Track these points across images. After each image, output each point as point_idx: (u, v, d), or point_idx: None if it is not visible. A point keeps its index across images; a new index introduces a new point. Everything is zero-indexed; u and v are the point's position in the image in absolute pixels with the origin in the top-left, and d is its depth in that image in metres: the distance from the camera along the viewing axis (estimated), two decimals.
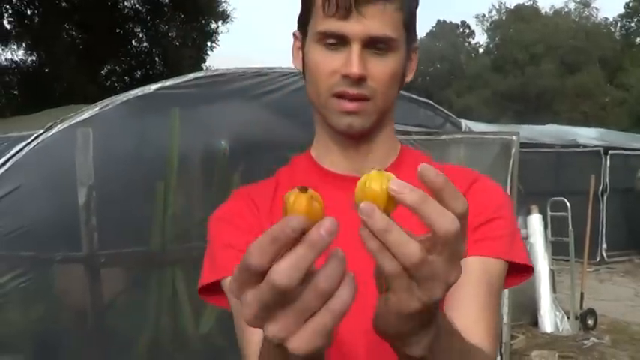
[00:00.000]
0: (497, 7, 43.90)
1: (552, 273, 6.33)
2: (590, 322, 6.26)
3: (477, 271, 0.90)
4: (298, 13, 1.01)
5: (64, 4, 13.41)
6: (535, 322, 6.16)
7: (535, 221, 6.25)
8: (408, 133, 3.97)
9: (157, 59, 14.80)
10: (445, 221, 0.54)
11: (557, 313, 6.20)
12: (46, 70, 13.13)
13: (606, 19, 41.35)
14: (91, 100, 3.70)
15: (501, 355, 4.12)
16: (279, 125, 3.69)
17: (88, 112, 3.16)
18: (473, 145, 4.31)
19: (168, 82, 3.39)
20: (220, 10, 14.85)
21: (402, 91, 1.06)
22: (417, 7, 0.99)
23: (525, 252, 1.00)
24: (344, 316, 0.53)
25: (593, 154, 9.93)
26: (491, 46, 43.67)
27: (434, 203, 0.55)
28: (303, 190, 0.55)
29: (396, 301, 0.58)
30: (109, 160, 3.23)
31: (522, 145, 4.29)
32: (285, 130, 3.67)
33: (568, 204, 6.60)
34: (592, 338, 5.95)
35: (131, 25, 14.51)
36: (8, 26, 13.37)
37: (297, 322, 0.53)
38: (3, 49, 13.43)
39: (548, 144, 10.04)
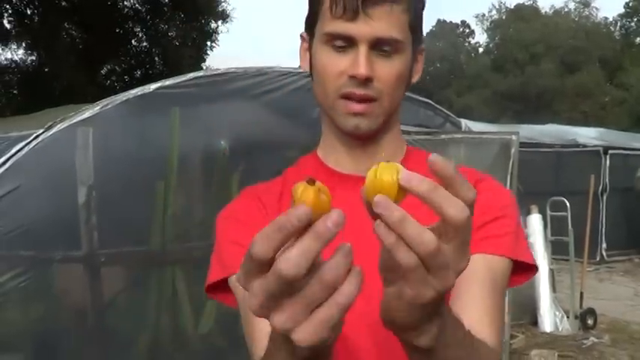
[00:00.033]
0: (497, 7, 43.95)
1: (552, 272, 6.33)
2: (589, 321, 6.27)
3: (482, 268, 0.91)
4: (305, 14, 1.02)
5: (63, 3, 13.41)
6: (535, 322, 6.17)
7: (535, 221, 6.25)
8: (408, 133, 3.97)
9: (156, 59, 14.81)
10: (456, 208, 0.56)
11: (557, 312, 6.20)
12: (46, 69, 13.13)
13: (606, 18, 41.41)
14: (91, 99, 3.70)
15: (501, 355, 4.13)
16: (279, 125, 3.69)
17: (88, 111, 3.16)
18: (472, 145, 4.31)
19: (168, 82, 3.40)
20: (220, 9, 14.86)
21: None
22: (423, 9, 1.00)
23: (530, 251, 1.00)
24: (349, 308, 0.54)
25: (593, 153, 9.93)
26: (491, 45, 43.67)
27: (444, 191, 0.56)
28: (311, 182, 0.55)
29: (412, 293, 0.59)
30: (108, 159, 3.23)
31: (522, 144, 4.29)
32: (285, 130, 3.67)
33: (568, 203, 6.60)
34: (592, 338, 5.95)
35: (131, 25, 14.51)
36: (8, 26, 13.38)
37: (303, 313, 0.53)
38: (3, 49, 13.44)
39: (548, 144, 10.04)
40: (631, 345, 5.94)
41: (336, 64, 0.95)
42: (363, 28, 0.91)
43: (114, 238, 3.27)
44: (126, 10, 14.30)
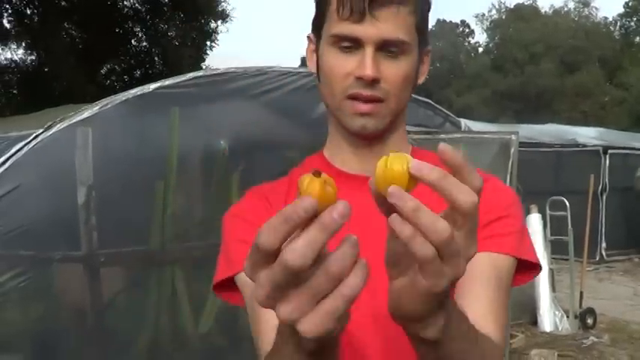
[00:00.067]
0: (496, 7, 43.93)
1: (552, 272, 6.33)
2: (589, 321, 6.27)
3: (487, 266, 0.92)
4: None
5: (63, 3, 13.41)
6: (534, 322, 6.17)
7: (534, 220, 6.25)
8: (407, 133, 3.97)
9: (156, 59, 14.81)
10: (465, 194, 0.57)
11: (557, 312, 6.20)
12: (46, 69, 13.13)
13: (606, 18, 41.40)
14: (91, 99, 3.70)
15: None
16: (279, 124, 3.69)
17: (88, 111, 3.16)
18: (472, 145, 4.31)
19: (168, 82, 3.40)
20: (220, 9, 14.86)
21: None
22: (429, 11, 1.01)
23: (534, 250, 1.01)
24: (355, 300, 0.54)
25: (593, 153, 9.93)
26: (490, 45, 43.67)
27: (453, 179, 0.57)
28: (317, 174, 0.56)
29: (427, 283, 0.59)
30: (108, 159, 3.23)
31: (522, 144, 4.29)
32: (285, 130, 3.68)
33: (567, 203, 6.60)
34: (591, 337, 5.95)
35: (130, 25, 14.52)
36: (8, 25, 13.38)
37: (309, 304, 0.54)
38: (2, 49, 13.45)
39: (547, 143, 10.04)
40: (630, 345, 5.94)
41: (342, 66, 0.96)
42: (370, 29, 0.92)
43: (113, 238, 3.27)
44: (125, 9, 14.30)
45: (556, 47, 35.82)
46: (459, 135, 4.43)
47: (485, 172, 1.05)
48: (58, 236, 3.15)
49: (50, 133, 3.05)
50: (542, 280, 6.05)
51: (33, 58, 13.76)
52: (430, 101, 4.67)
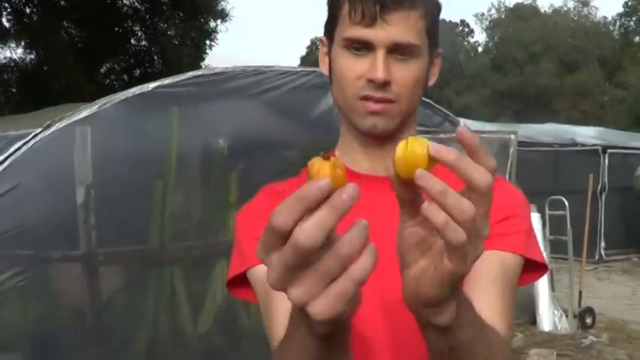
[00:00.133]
0: (496, 6, 43.91)
1: (551, 272, 6.34)
2: (588, 320, 6.27)
3: (494, 263, 0.93)
4: (325, 19, 1.05)
5: (62, 2, 13.40)
6: (533, 321, 6.17)
7: (533, 220, 6.24)
8: None
9: (155, 58, 14.80)
10: (481, 174, 0.60)
11: (556, 311, 6.21)
12: (45, 68, 13.12)
13: (605, 18, 41.39)
14: (90, 98, 3.70)
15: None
16: (278, 124, 3.69)
17: (87, 110, 3.16)
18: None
19: (167, 81, 3.40)
20: (219, 8, 14.85)
21: None
22: (439, 14, 1.04)
23: (540, 250, 1.02)
24: (364, 282, 0.55)
25: (592, 152, 9.94)
26: (490, 44, 43.66)
27: (469, 159, 0.61)
28: (326, 157, 0.58)
29: (452, 266, 0.62)
30: (107, 158, 3.23)
31: (521, 143, 4.29)
32: (283, 129, 3.68)
33: (566, 203, 6.60)
34: (590, 337, 5.96)
35: (130, 24, 14.51)
36: (7, 24, 13.37)
37: (319, 287, 0.54)
38: (2, 47, 13.43)
39: (547, 143, 10.05)
40: (629, 344, 5.94)
41: (354, 68, 0.98)
42: (381, 33, 0.95)
43: (112, 237, 3.27)
44: (125, 8, 14.29)
45: (555, 47, 35.82)
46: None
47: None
48: (57, 235, 3.15)
49: (49, 132, 3.05)
50: (542, 279, 6.04)
51: (32, 56, 13.76)
52: (429, 101, 4.67)
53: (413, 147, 0.61)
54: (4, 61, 13.61)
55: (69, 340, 3.22)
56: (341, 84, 1.00)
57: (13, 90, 13.98)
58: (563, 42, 36.35)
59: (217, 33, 15.18)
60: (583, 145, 10.16)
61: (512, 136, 4.06)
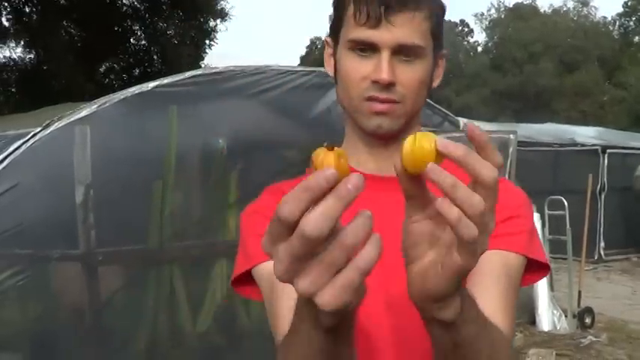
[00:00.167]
0: (496, 6, 43.92)
1: (550, 271, 6.31)
2: (587, 320, 6.27)
3: (497, 263, 0.93)
4: (328, 20, 1.06)
5: (62, 1, 13.40)
6: (533, 321, 6.17)
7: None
8: None
9: (155, 57, 14.81)
10: (488, 170, 0.61)
11: (555, 311, 6.21)
12: (44, 67, 13.13)
13: (605, 17, 41.40)
14: (89, 97, 3.70)
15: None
16: (277, 123, 3.69)
17: (86, 109, 3.15)
18: (471, 144, 4.31)
19: (166, 80, 3.39)
20: (219, 8, 14.85)
21: None
22: (444, 15, 1.04)
23: (543, 251, 1.03)
24: (370, 272, 0.56)
25: (592, 152, 9.94)
26: (490, 44, 43.67)
27: (476, 155, 0.62)
28: (330, 147, 0.59)
29: (462, 261, 0.63)
30: (106, 158, 3.22)
31: (520, 143, 4.29)
32: (283, 129, 3.68)
33: (566, 202, 6.60)
34: (589, 337, 5.95)
35: (129, 23, 14.51)
36: (6, 23, 13.38)
37: (326, 277, 0.55)
38: (1, 47, 13.44)
39: (546, 142, 10.04)
40: (629, 344, 5.94)
41: (359, 70, 0.99)
42: (386, 34, 0.95)
43: (112, 236, 3.27)
44: (124, 8, 14.29)
45: (555, 47, 35.83)
46: (457, 134, 4.43)
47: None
48: (56, 235, 3.15)
49: (48, 131, 3.04)
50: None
51: (32, 56, 13.76)
52: (429, 100, 4.67)
53: (421, 142, 0.62)
54: (3, 60, 13.62)
55: (68, 339, 3.22)
56: (346, 85, 1.01)
57: (13, 89, 13.98)
58: (562, 42, 36.36)
59: (217, 32, 15.21)
60: (582, 145, 10.16)
61: (512, 136, 4.06)
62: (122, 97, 3.26)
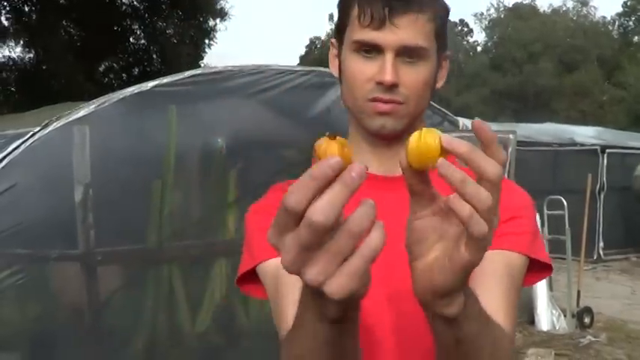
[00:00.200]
0: (495, 6, 43.97)
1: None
2: (586, 320, 6.27)
3: (499, 263, 0.94)
4: (336, 22, 1.07)
5: (61, 1, 13.39)
6: (532, 321, 6.17)
7: None
8: None
9: (154, 56, 14.81)
10: (492, 166, 0.62)
11: (554, 311, 6.21)
12: (44, 67, 13.12)
13: (604, 17, 41.48)
14: (89, 97, 3.70)
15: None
16: (276, 123, 3.69)
17: (85, 109, 3.15)
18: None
19: (165, 80, 3.39)
20: (218, 7, 14.85)
21: None
22: (447, 17, 1.05)
23: (545, 252, 1.03)
24: (376, 259, 0.56)
25: (591, 152, 9.94)
26: (489, 44, 43.71)
27: (480, 151, 0.63)
28: (332, 136, 0.60)
29: (469, 257, 0.64)
30: (105, 157, 3.22)
31: (520, 143, 4.29)
32: (282, 128, 3.67)
33: (565, 202, 6.61)
34: (588, 336, 5.96)
35: (129, 22, 14.51)
36: (6, 23, 13.38)
37: (333, 265, 0.56)
38: (0, 46, 13.42)
39: (545, 142, 10.04)
40: (628, 344, 5.94)
41: (364, 71, 1.00)
42: (390, 36, 0.96)
43: (111, 236, 3.27)
44: (124, 7, 14.29)
45: (554, 46, 35.85)
46: (456, 134, 4.43)
47: None
48: (55, 235, 3.14)
49: (47, 131, 3.04)
50: None
51: (31, 55, 13.76)
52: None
53: (426, 138, 0.63)
54: (2, 59, 13.61)
55: (67, 339, 3.22)
56: (351, 86, 1.02)
57: (12, 89, 13.98)
58: (562, 42, 36.39)
59: (216, 32, 15.22)
60: (582, 144, 10.16)
61: (511, 136, 4.06)
62: (121, 96, 3.26)
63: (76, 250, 3.18)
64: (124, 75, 14.90)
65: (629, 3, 38.63)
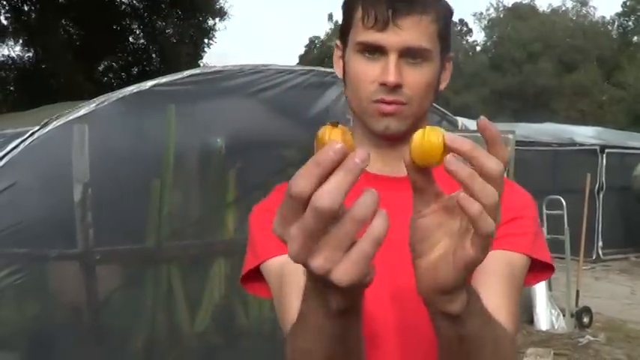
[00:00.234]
0: (494, 6, 43.91)
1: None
2: (585, 320, 6.27)
3: (501, 263, 0.95)
4: (340, 24, 1.09)
5: (60, 0, 13.38)
6: (531, 320, 6.17)
7: None
8: None
9: (153, 56, 14.81)
10: (493, 163, 0.63)
11: (553, 310, 6.21)
12: (43, 66, 13.12)
13: (604, 17, 41.44)
14: (88, 96, 3.69)
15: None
16: (275, 123, 3.69)
17: (84, 108, 3.15)
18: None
19: (165, 79, 3.39)
20: (218, 7, 14.85)
21: None
22: (451, 18, 1.06)
23: (547, 252, 1.04)
24: (381, 244, 0.57)
25: (590, 152, 9.94)
26: (488, 44, 43.68)
27: (482, 149, 0.64)
28: (334, 124, 0.61)
29: (474, 254, 0.65)
30: (104, 157, 3.22)
31: (519, 143, 4.29)
32: (281, 128, 3.67)
33: (564, 202, 6.61)
34: (587, 336, 5.96)
35: (128, 22, 14.50)
36: (5, 22, 13.38)
37: (340, 252, 0.57)
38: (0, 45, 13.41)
39: (545, 142, 10.05)
40: (627, 344, 5.95)
41: (367, 72, 1.01)
42: (393, 38, 0.97)
43: (110, 235, 3.27)
44: (123, 6, 14.28)
45: (554, 46, 35.83)
46: (455, 134, 4.42)
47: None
48: (54, 234, 3.14)
49: (46, 130, 3.04)
50: None
51: (30, 54, 13.76)
52: None
53: (429, 136, 0.64)
54: (2, 58, 13.62)
55: (66, 338, 3.22)
56: (355, 87, 1.03)
57: (11, 88, 13.97)
58: (561, 41, 36.38)
59: (216, 31, 15.21)
60: (581, 144, 10.16)
61: (511, 136, 4.06)
62: (120, 95, 3.26)
63: (75, 250, 3.18)
64: (123, 74, 14.89)
65: (628, 3, 38.62)
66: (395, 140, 1.05)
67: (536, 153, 9.54)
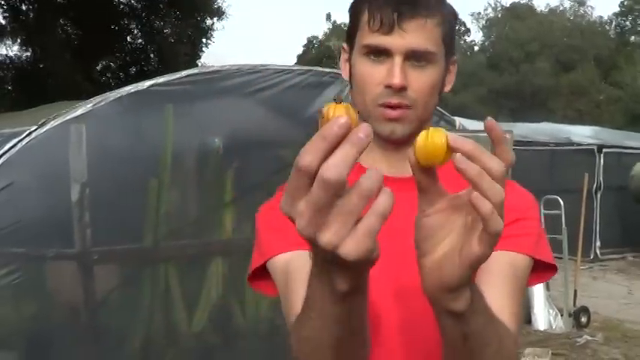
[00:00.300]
0: (492, 5, 43.95)
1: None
2: (583, 319, 6.28)
3: (504, 263, 0.96)
4: (347, 27, 1.11)
5: None
6: (528, 320, 6.18)
7: None
8: None
9: (151, 56, 14.80)
10: (496, 163, 0.65)
11: (551, 310, 6.22)
12: (41, 65, 13.10)
13: (601, 17, 41.46)
14: (86, 96, 3.69)
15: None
16: (273, 122, 3.68)
17: (82, 108, 3.15)
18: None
19: (162, 79, 3.39)
20: (215, 6, 14.84)
21: None
22: (455, 21, 1.08)
23: (550, 252, 1.06)
24: (387, 218, 0.59)
25: (588, 152, 9.95)
26: (486, 43, 43.71)
27: (485, 150, 0.66)
28: (338, 100, 0.62)
29: (479, 251, 0.66)
30: (102, 156, 3.22)
31: (516, 142, 4.29)
32: (279, 128, 3.67)
33: (561, 202, 6.61)
34: (585, 336, 5.97)
35: (126, 22, 14.49)
36: (3, 22, 13.36)
37: (347, 226, 0.58)
38: None
39: (542, 142, 10.06)
40: (624, 343, 5.96)
41: (373, 75, 1.03)
42: (398, 41, 0.99)
43: (107, 235, 3.26)
44: (121, 6, 14.27)
45: (551, 46, 35.87)
46: (458, 134, 4.42)
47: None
48: (52, 234, 3.14)
49: (44, 130, 3.04)
50: None
51: (28, 54, 13.74)
52: None
53: (433, 137, 0.66)
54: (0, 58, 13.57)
55: (64, 338, 3.22)
56: (361, 90, 1.05)
57: (9, 87, 13.95)
58: (559, 41, 36.41)
59: (213, 31, 15.21)
60: (578, 144, 10.17)
61: (508, 135, 4.05)
62: (118, 95, 3.25)
63: (73, 249, 3.18)
64: (121, 74, 14.88)
65: (625, 3, 38.66)
66: (400, 144, 1.07)
67: (534, 153, 9.54)
